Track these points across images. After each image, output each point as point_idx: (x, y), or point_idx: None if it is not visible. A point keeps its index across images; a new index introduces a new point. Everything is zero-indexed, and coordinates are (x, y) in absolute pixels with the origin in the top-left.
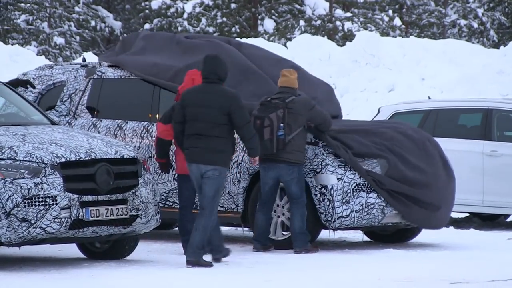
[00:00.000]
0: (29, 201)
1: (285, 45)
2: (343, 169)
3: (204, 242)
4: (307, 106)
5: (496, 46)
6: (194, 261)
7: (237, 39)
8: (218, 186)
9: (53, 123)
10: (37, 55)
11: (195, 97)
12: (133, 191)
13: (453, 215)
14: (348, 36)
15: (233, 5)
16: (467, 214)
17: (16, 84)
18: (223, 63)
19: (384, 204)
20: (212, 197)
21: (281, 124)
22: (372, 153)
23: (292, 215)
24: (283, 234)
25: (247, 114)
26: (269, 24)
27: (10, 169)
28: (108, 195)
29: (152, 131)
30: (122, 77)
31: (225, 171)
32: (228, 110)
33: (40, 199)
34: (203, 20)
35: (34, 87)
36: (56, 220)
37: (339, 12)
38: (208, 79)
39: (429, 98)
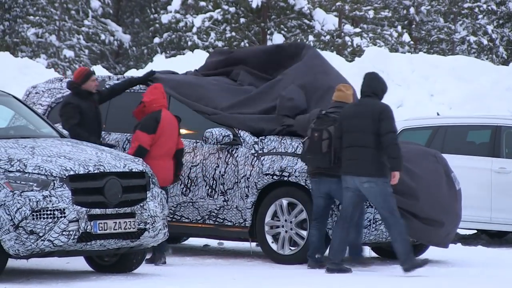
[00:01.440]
0: (38, 213)
1: None
2: None
3: (408, 248)
4: None
5: (505, 63)
6: (409, 267)
7: None
8: (380, 194)
9: (62, 136)
10: (46, 68)
11: (350, 111)
12: (141, 204)
13: (461, 231)
14: (357, 52)
15: (242, 20)
16: (475, 231)
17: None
18: (380, 81)
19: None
20: (384, 207)
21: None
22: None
23: (335, 231)
24: (290, 249)
25: (394, 125)
26: (278, 39)
27: (19, 182)
28: (116, 209)
29: None
30: (131, 90)
31: (383, 181)
32: (378, 118)
33: (49, 212)
34: (212, 34)
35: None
36: (64, 233)
37: (348, 27)
38: (364, 93)
39: (438, 114)
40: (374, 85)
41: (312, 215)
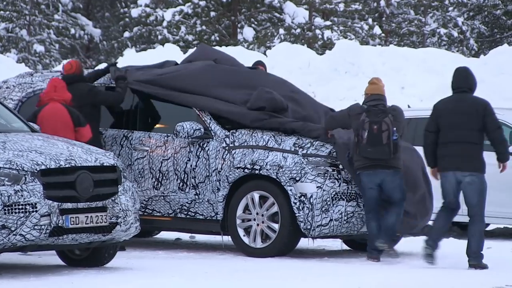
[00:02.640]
0: (9, 208)
1: (264, 53)
2: (322, 177)
3: (481, 247)
4: (403, 115)
5: (476, 55)
6: (476, 264)
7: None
8: (479, 191)
9: (33, 130)
10: (17, 62)
11: (450, 106)
12: (113, 198)
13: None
14: (328, 45)
15: (212, 13)
16: None
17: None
18: (473, 76)
19: (363, 213)
20: (477, 203)
21: (394, 128)
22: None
23: (389, 212)
24: (262, 242)
25: (498, 120)
26: (248, 33)
27: None
28: (88, 203)
29: (132, 138)
30: (102, 84)
31: (483, 177)
32: (482, 115)
33: (20, 206)
34: (183, 28)
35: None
36: (36, 227)
37: (318, 20)
38: (460, 89)
39: (408, 106)
40: (470, 80)
41: (365, 208)
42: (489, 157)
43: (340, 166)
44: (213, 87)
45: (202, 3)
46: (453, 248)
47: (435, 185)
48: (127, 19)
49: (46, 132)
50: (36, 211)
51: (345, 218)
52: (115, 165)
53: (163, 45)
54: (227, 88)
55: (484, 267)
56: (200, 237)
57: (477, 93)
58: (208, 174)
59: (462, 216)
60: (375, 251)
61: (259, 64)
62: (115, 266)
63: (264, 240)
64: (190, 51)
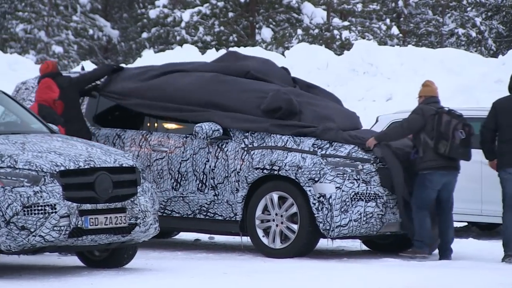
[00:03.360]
0: (29, 209)
1: (282, 54)
2: (341, 178)
3: None
4: None
5: (494, 55)
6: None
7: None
8: None
9: (52, 131)
10: (36, 63)
11: (509, 105)
12: (132, 199)
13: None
14: (346, 45)
15: (230, 14)
16: (466, 224)
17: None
18: None
19: (383, 213)
20: None
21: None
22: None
23: (449, 220)
24: (281, 243)
25: None
26: (266, 33)
27: (9, 178)
28: (107, 204)
29: (151, 139)
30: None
31: None
32: None
33: (40, 208)
34: (201, 29)
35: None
36: (55, 228)
37: (336, 21)
38: None
39: None
40: None
41: (419, 205)
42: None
43: (359, 167)
44: (220, 96)
45: (220, 4)
46: (472, 249)
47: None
48: (145, 20)
49: None
50: (56, 212)
51: (364, 218)
52: (134, 166)
53: (181, 46)
54: (234, 94)
55: None
56: (219, 238)
57: (495, 93)
58: (227, 175)
59: (481, 216)
60: (427, 247)
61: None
62: (134, 267)
63: (283, 241)
64: (209, 52)
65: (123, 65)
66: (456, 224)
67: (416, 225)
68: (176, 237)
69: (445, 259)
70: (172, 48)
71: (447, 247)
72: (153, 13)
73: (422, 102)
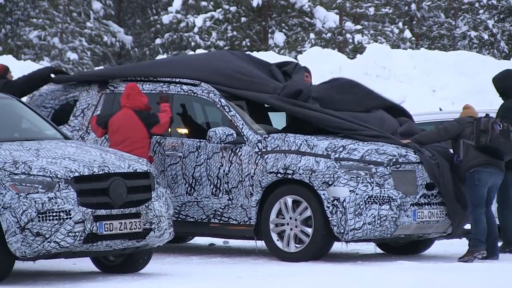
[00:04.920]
0: (43, 215)
1: (295, 58)
2: (355, 181)
3: None
4: None
5: (506, 57)
6: None
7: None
8: None
9: (66, 137)
10: None
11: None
12: (146, 204)
13: (467, 226)
14: (359, 49)
15: (243, 19)
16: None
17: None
18: None
19: (397, 216)
20: None
21: None
22: None
23: (492, 217)
24: (296, 246)
25: None
26: (279, 38)
27: (24, 184)
28: (122, 209)
29: (164, 145)
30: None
31: None
32: None
33: (54, 214)
34: (214, 34)
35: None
36: (70, 234)
37: (349, 24)
38: None
39: (440, 109)
40: None
41: (473, 204)
42: None
43: (373, 170)
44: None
45: (233, 9)
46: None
47: None
48: (158, 26)
49: (117, 138)
50: (70, 218)
51: (379, 221)
52: (148, 171)
53: (194, 51)
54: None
55: None
56: (234, 242)
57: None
58: (241, 179)
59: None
60: (483, 245)
61: (305, 71)
62: (149, 272)
63: (297, 245)
64: None
65: (62, 67)
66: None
67: (472, 224)
68: (191, 242)
69: (491, 258)
70: (185, 54)
71: (494, 245)
72: (166, 19)
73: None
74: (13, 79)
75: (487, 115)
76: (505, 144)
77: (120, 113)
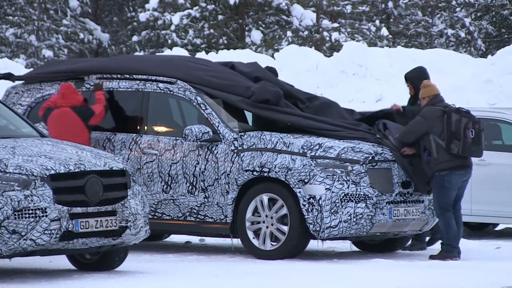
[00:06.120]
0: (19, 213)
1: (272, 56)
2: (331, 179)
3: None
4: None
5: (483, 55)
6: None
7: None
8: None
9: (42, 135)
10: (26, 68)
11: None
12: (122, 202)
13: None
14: (335, 47)
15: (220, 17)
16: None
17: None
18: None
19: (372, 214)
20: None
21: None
22: None
23: (459, 217)
24: (272, 244)
25: None
26: (256, 36)
27: (0, 182)
28: (98, 207)
29: (141, 142)
30: (110, 89)
31: None
32: None
33: (30, 211)
34: (191, 32)
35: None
36: (46, 232)
37: (326, 22)
38: None
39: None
40: None
41: (442, 207)
42: (494, 156)
43: (349, 168)
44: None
45: (210, 7)
46: (462, 248)
47: None
48: (135, 23)
49: (55, 133)
50: (46, 216)
51: (354, 219)
52: (124, 169)
53: (171, 48)
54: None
55: None
56: (210, 240)
57: (485, 93)
58: (217, 177)
59: (471, 216)
60: (456, 250)
61: (270, 70)
62: (125, 270)
63: (273, 242)
64: (199, 55)
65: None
66: None
67: (442, 228)
68: (167, 239)
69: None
70: (162, 51)
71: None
72: (143, 17)
73: (427, 103)
74: None
75: (457, 108)
76: (476, 151)
77: (57, 110)
